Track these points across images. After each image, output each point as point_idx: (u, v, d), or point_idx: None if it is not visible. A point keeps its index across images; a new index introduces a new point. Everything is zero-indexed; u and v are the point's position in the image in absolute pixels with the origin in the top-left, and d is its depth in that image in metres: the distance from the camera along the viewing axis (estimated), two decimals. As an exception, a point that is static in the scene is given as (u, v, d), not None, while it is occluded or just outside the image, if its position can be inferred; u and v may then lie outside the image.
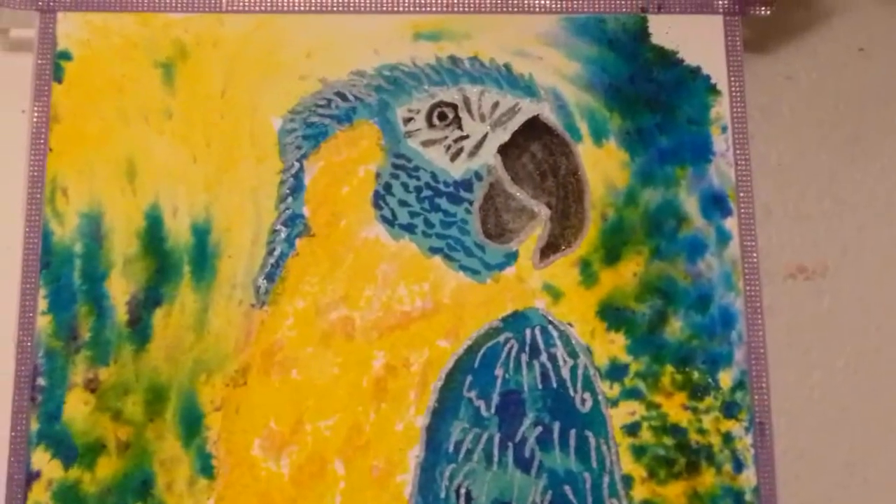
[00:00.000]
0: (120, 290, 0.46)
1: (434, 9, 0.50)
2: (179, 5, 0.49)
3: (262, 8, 0.49)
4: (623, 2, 0.50)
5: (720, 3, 0.50)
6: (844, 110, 0.53)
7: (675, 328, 0.47)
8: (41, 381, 0.45)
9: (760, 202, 0.50)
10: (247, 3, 0.49)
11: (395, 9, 0.50)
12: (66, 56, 0.48)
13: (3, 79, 0.49)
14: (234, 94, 0.49)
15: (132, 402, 0.45)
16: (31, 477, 0.44)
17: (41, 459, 0.44)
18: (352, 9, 0.50)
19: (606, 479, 0.45)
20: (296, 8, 0.50)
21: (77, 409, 0.45)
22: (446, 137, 0.49)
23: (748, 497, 0.45)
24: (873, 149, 0.52)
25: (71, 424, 0.45)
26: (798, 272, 0.50)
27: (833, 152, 0.52)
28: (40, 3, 0.48)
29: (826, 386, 0.49)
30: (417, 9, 0.50)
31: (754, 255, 0.47)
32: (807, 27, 0.54)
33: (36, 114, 0.47)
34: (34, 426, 0.44)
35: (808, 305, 0.49)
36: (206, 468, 0.45)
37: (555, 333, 0.47)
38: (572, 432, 0.46)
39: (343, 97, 0.49)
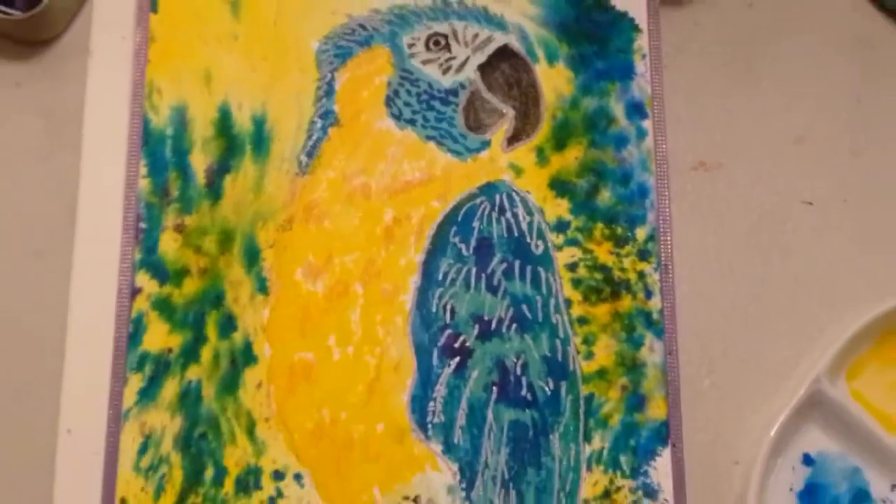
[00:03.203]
0: (199, 162, 0.55)
1: (431, -34, 0.59)
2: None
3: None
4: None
5: (644, -39, 0.59)
6: (737, 47, 0.60)
7: (605, 197, 0.56)
8: (142, 225, 0.54)
9: (670, 111, 0.58)
10: (294, -43, 0.58)
11: (404, -34, 0.59)
12: None
13: (110, 13, 0.57)
14: (283, 23, 0.57)
15: (209, 241, 0.54)
16: (135, 291, 0.53)
17: (143, 279, 0.53)
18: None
19: (552, 301, 0.55)
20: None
21: (169, 244, 0.54)
22: (439, 58, 0.58)
23: (654, 316, 0.55)
24: (758, 77, 0.60)
25: (164, 255, 0.54)
26: (699, 166, 0.58)
27: (728, 78, 0.60)
28: (140, -45, 0.57)
29: (718, 246, 0.57)
30: (419, -34, 0.59)
31: (663, 146, 0.57)
32: (710, -13, 0.61)
33: (138, 36, 0.56)
34: (137, 256, 0.53)
35: (706, 190, 0.58)
36: (262, 287, 0.54)
37: (517, 198, 0.56)
38: (528, 268, 0.55)
39: (364, 28, 0.58)
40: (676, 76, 0.59)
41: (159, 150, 0.56)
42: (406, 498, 0.51)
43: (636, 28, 0.59)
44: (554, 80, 0.58)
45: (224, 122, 0.56)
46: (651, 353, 0.54)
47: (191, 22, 0.57)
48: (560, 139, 0.57)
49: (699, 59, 0.60)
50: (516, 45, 0.58)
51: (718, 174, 0.59)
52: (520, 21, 0.58)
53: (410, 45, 0.58)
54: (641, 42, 0.58)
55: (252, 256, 0.55)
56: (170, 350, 0.53)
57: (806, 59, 0.61)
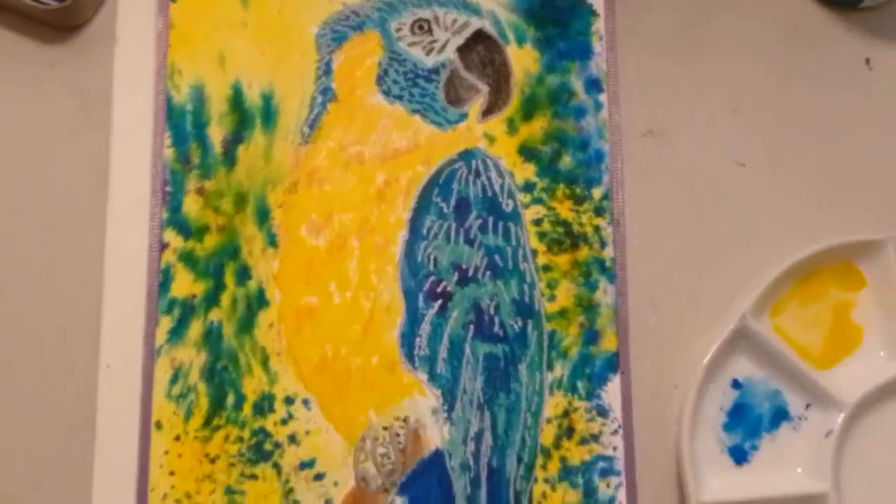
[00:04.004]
0: (216, 133, 0.59)
1: (415, -41, 0.62)
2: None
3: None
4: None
5: (601, -45, 0.62)
6: (681, 29, 0.63)
7: (566, 161, 0.60)
8: (168, 189, 0.58)
9: (623, 86, 0.61)
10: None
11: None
12: None
13: (133, 2, 0.61)
14: (287, 11, 0.61)
15: (225, 202, 0.58)
16: (164, 246, 0.57)
17: (169, 235, 0.58)
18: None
19: (521, 251, 0.59)
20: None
21: (191, 205, 0.58)
22: (423, 41, 0.61)
23: (608, 264, 0.59)
24: (700, 55, 0.63)
25: (188, 214, 0.58)
26: (648, 133, 0.62)
27: (673, 56, 0.63)
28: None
29: (663, 203, 0.60)
30: (405, -42, 0.62)
31: (616, 116, 0.61)
32: (659, -25, 0.64)
33: (160, 23, 0.60)
34: (164, 215, 0.58)
35: (653, 154, 0.61)
36: (272, 242, 0.58)
37: (490, 163, 0.60)
38: (500, 223, 0.59)
39: (357, 14, 0.61)
40: (629, 55, 0.62)
41: (181, 124, 0.60)
42: (397, 419, 0.57)
43: (594, 13, 0.62)
44: (522, 60, 0.62)
45: (237, 99, 0.60)
46: (605, 295, 0.59)
47: (206, 11, 0.61)
48: (527, 111, 0.61)
49: (649, 40, 0.63)
50: (490, 28, 0.62)
51: (664, 140, 0.62)
52: (493, 7, 0.62)
53: (398, 30, 0.61)
54: (598, 25, 0.62)
55: (263, 215, 0.59)
56: (194, 296, 0.58)
57: (741, 38, 0.64)
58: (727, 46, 0.64)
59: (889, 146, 0.63)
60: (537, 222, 0.60)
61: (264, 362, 0.57)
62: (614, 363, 0.59)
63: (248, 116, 0.60)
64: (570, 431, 0.58)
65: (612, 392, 0.58)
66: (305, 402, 0.57)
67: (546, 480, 0.58)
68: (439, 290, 0.58)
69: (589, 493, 0.57)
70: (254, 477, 0.57)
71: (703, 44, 0.64)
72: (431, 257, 0.59)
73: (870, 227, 0.61)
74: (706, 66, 0.64)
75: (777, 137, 0.63)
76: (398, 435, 0.57)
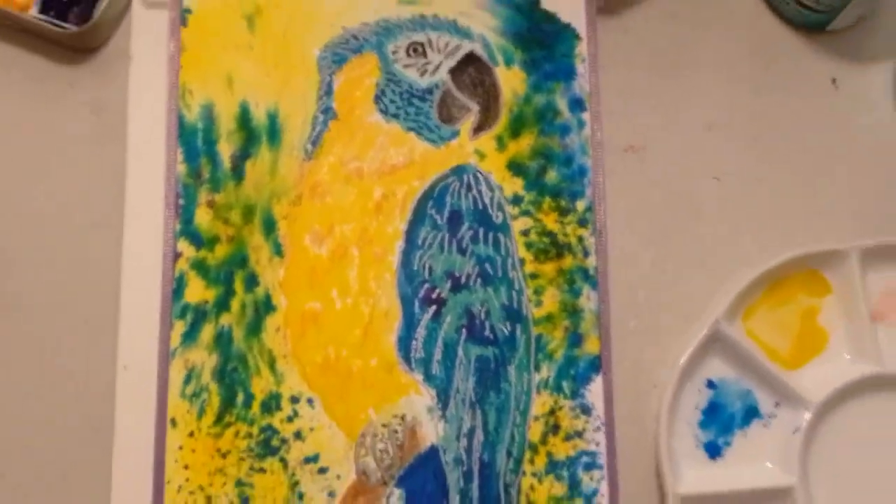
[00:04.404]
0: (225, 150, 0.61)
1: (410, -14, 0.64)
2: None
3: (307, -16, 0.64)
4: (525, -17, 0.65)
5: (583, -15, 0.64)
6: (660, 52, 0.66)
7: (552, 176, 0.62)
8: (181, 201, 0.60)
9: (605, 105, 0.63)
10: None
11: (388, -13, 0.64)
12: (188, 10, 0.63)
13: (146, 26, 0.63)
14: (290, 35, 0.63)
15: (234, 214, 0.60)
16: (177, 255, 0.59)
17: (182, 245, 0.60)
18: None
19: (510, 260, 0.61)
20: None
21: (202, 217, 0.60)
22: (417, 63, 0.63)
23: (591, 272, 0.61)
24: (677, 75, 0.65)
25: (199, 226, 0.60)
26: (629, 149, 0.64)
27: (652, 77, 0.65)
28: (169, -23, 0.62)
29: (642, 215, 0.62)
30: (400, -14, 0.64)
31: (599, 134, 0.63)
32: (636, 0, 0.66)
33: (172, 46, 0.62)
34: (177, 227, 0.60)
35: (634, 169, 0.64)
36: (278, 251, 0.60)
37: (481, 178, 0.62)
38: (490, 234, 0.61)
39: (356, 38, 0.63)
40: (610, 76, 0.65)
41: (192, 141, 0.62)
42: (395, 416, 0.60)
43: (577, 37, 0.65)
44: (510, 81, 0.64)
45: (244, 118, 0.62)
46: (588, 301, 0.61)
47: (215, 34, 0.63)
48: (515, 129, 0.63)
49: (628, 62, 0.66)
50: (480, 51, 0.64)
51: (643, 155, 0.65)
52: (483, 32, 0.64)
53: (394, 52, 0.63)
54: (581, 48, 0.64)
55: (269, 226, 0.61)
56: (206, 302, 0.60)
57: (716, 60, 0.66)
58: (702, 67, 0.67)
59: (853, 161, 0.66)
60: (525, 233, 0.62)
61: (271, 364, 0.60)
62: (597, 364, 0.61)
63: (254, 134, 0.62)
64: (555, 428, 0.61)
65: (595, 391, 0.61)
66: (310, 401, 0.60)
67: (533, 474, 0.61)
68: (434, 296, 0.61)
69: (573, 486, 0.61)
70: (262, 471, 0.59)
71: (679, 65, 0.67)
72: (426, 266, 0.61)
73: (834, 238, 0.63)
74: (683, 85, 0.66)
75: (749, 152, 0.65)
76: (396, 431, 0.60)
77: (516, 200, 0.63)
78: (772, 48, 0.67)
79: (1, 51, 0.64)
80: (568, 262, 0.62)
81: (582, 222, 0.63)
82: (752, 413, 0.62)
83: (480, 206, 0.62)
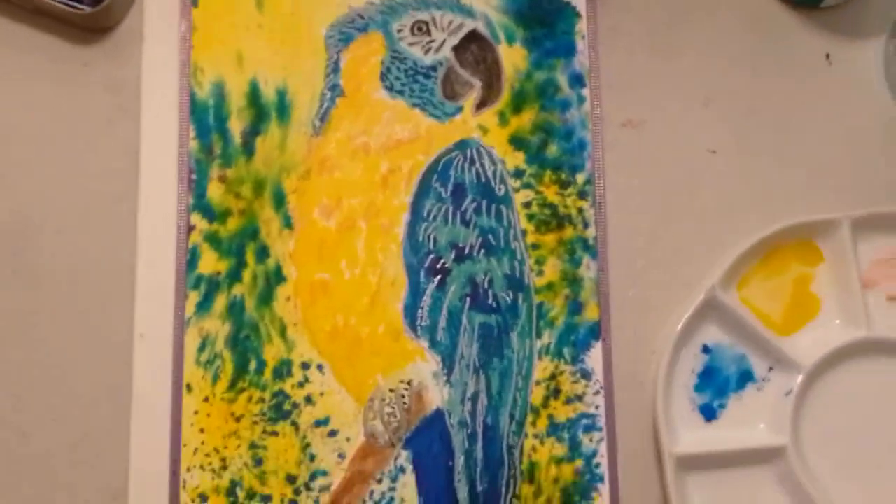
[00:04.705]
0: (236, 126, 0.62)
1: (415, -33, 0.65)
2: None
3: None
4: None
5: (582, -34, 0.65)
6: (657, 29, 0.67)
7: (553, 149, 0.63)
8: (194, 177, 0.62)
9: (604, 80, 0.65)
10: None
11: (394, -33, 0.65)
12: None
13: (158, 7, 0.64)
14: (298, 14, 0.64)
15: (245, 188, 0.62)
16: (190, 228, 0.61)
17: (196, 219, 0.61)
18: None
19: (512, 231, 0.62)
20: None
21: (214, 191, 0.62)
22: (422, 41, 0.64)
23: (590, 242, 0.62)
24: (674, 52, 0.66)
25: (212, 199, 0.62)
26: (627, 123, 0.65)
27: (650, 53, 0.66)
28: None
29: (641, 187, 0.63)
30: (406, -33, 0.65)
31: (598, 109, 0.64)
32: (637, -20, 0.67)
33: (183, 26, 0.63)
34: (190, 201, 0.61)
35: (632, 143, 0.65)
36: (288, 224, 0.62)
37: (484, 152, 0.63)
38: (493, 206, 0.62)
39: (362, 17, 0.64)
40: (609, 52, 0.66)
41: (204, 118, 0.63)
42: (402, 381, 0.62)
43: (577, 14, 0.66)
44: (512, 58, 0.65)
45: (254, 95, 0.64)
46: (587, 270, 0.63)
47: (225, 14, 0.64)
48: (517, 105, 0.65)
49: (627, 39, 0.67)
50: (482, 29, 0.65)
51: (642, 130, 0.66)
52: (485, 10, 0.65)
53: (399, 31, 0.65)
54: (581, 26, 0.66)
55: (279, 200, 0.63)
56: (219, 273, 0.62)
57: (713, 37, 0.67)
58: (699, 44, 0.68)
59: (845, 134, 0.67)
60: (527, 205, 0.64)
61: (282, 332, 0.62)
62: (596, 331, 0.63)
63: (264, 111, 0.64)
64: (556, 392, 0.63)
65: (594, 357, 0.63)
66: (320, 367, 0.62)
67: (535, 436, 0.63)
68: (438, 266, 0.62)
69: (573, 447, 0.63)
70: (274, 434, 0.62)
71: (677, 42, 0.68)
72: (431, 237, 0.63)
73: (827, 208, 0.65)
74: (680, 61, 0.67)
75: (745, 127, 0.67)
76: (403, 396, 0.62)
77: (518, 174, 0.64)
78: (767, 25, 0.68)
79: (19, 32, 0.65)
80: (568, 232, 0.64)
81: (582, 194, 0.64)
82: (746, 377, 0.63)
83: (483, 180, 0.64)
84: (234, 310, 0.62)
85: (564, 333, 0.63)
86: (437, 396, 0.62)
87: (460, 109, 0.64)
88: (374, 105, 0.64)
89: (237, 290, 0.62)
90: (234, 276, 0.62)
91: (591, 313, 0.63)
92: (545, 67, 0.66)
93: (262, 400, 0.61)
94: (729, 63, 0.67)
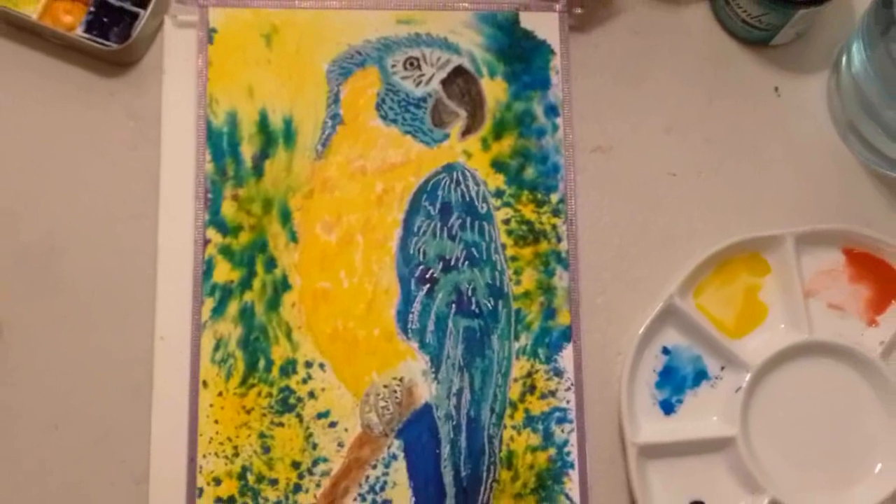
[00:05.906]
0: (247, 151, 0.65)
1: (408, 6, 0.69)
2: (270, 4, 0.68)
3: (317, 6, 0.68)
4: (506, 3, 0.68)
5: (558, 5, 0.68)
6: (624, 64, 0.70)
7: (530, 172, 0.66)
8: (209, 195, 0.64)
9: (576, 111, 0.68)
10: (310, 3, 0.67)
11: (387, 7, 0.68)
12: (214, 30, 0.67)
13: (177, 44, 0.67)
14: (303, 51, 0.67)
15: (255, 206, 0.65)
16: (206, 241, 0.64)
17: (211, 233, 0.64)
18: (365, 6, 0.68)
19: (493, 245, 0.65)
20: (335, 6, 0.68)
21: (228, 209, 0.64)
22: (413, 75, 0.68)
23: (563, 255, 0.65)
24: (639, 85, 0.70)
25: (225, 216, 0.64)
26: (597, 149, 0.68)
27: (618, 86, 0.69)
28: (200, 2, 0.68)
29: (609, 206, 0.67)
30: (398, 6, 0.68)
31: (570, 136, 0.67)
32: (605, 18, 0.70)
33: (200, 61, 0.67)
34: (206, 217, 0.64)
35: (601, 166, 0.68)
36: (293, 238, 0.64)
37: (468, 174, 0.66)
38: (476, 222, 0.65)
39: (359, 53, 0.67)
40: (581, 85, 0.69)
41: (219, 143, 0.66)
42: (394, 378, 0.65)
43: (552, 51, 0.69)
44: (494, 90, 0.68)
45: (263, 123, 0.67)
46: (560, 280, 0.66)
47: (237, 51, 0.68)
48: (498, 132, 0.68)
49: (597, 73, 0.70)
50: (468, 64, 0.68)
51: (610, 155, 0.69)
52: (470, 47, 0.69)
53: (393, 66, 0.68)
54: (555, 62, 0.69)
55: (286, 216, 0.66)
56: (232, 281, 0.65)
57: (673, 71, 0.70)
58: (662, 77, 0.71)
59: (792, 159, 0.70)
60: (506, 221, 0.67)
61: (288, 334, 0.65)
62: (568, 334, 0.66)
63: (272, 137, 0.67)
64: (532, 388, 0.65)
65: (566, 357, 0.66)
66: (321, 366, 0.65)
67: (513, 427, 0.65)
68: (427, 276, 0.65)
69: (547, 437, 0.65)
70: (281, 425, 0.64)
71: (641, 76, 0.71)
72: (421, 250, 0.66)
73: (774, 225, 0.68)
74: (644, 93, 0.70)
75: (702, 152, 0.70)
76: (395, 391, 0.65)
77: (499, 193, 0.67)
78: (722, 61, 0.71)
79: (51, 65, 0.68)
80: (543, 246, 0.67)
81: (556, 212, 0.67)
82: (701, 375, 0.67)
83: (468, 199, 0.67)
84: (246, 314, 0.65)
85: (539, 336, 0.66)
86: (425, 392, 0.65)
87: (447, 136, 0.67)
88: (370, 132, 0.67)
89: (248, 296, 0.65)
90: (246, 284, 0.65)
91: (563, 318, 0.66)
92: (523, 99, 0.69)
93: (270, 395, 0.64)
94: (688, 94, 0.70)
